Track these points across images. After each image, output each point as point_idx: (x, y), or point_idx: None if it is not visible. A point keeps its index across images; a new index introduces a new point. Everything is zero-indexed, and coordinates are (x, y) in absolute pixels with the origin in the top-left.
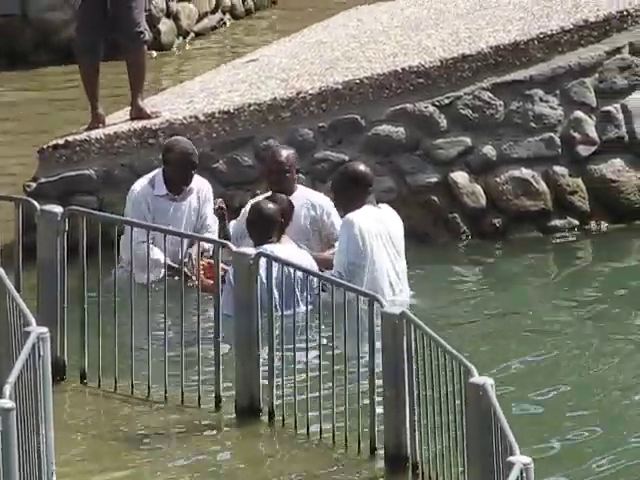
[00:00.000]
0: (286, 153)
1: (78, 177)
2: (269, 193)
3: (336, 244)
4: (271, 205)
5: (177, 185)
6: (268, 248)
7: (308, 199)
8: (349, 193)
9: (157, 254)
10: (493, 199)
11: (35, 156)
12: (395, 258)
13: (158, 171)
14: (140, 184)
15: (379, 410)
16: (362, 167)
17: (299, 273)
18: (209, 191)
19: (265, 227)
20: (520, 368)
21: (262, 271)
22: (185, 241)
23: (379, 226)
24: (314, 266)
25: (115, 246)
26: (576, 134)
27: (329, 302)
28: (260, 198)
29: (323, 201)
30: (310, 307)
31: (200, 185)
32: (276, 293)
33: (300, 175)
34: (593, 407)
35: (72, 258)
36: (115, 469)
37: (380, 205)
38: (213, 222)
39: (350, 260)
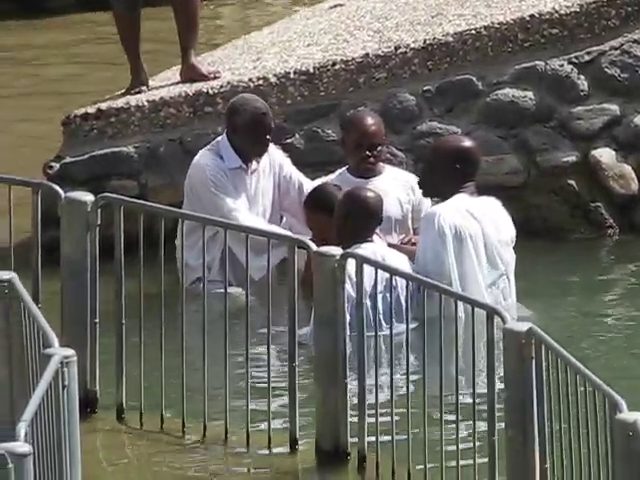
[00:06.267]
0: (375, 120)
1: (114, 156)
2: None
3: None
4: (373, 194)
5: (249, 155)
6: (369, 248)
7: (407, 180)
8: (442, 175)
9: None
10: None
11: (59, 129)
12: (492, 267)
13: (220, 140)
14: (207, 157)
15: None
16: (467, 143)
17: (402, 281)
18: (279, 153)
19: (367, 223)
20: None
21: (351, 277)
22: (266, 219)
23: (472, 224)
24: (409, 270)
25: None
26: None
27: (431, 317)
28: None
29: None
30: (413, 324)
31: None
32: (369, 304)
33: (396, 152)
34: None
35: (106, 259)
36: None
37: (481, 197)
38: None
39: (427, 269)
